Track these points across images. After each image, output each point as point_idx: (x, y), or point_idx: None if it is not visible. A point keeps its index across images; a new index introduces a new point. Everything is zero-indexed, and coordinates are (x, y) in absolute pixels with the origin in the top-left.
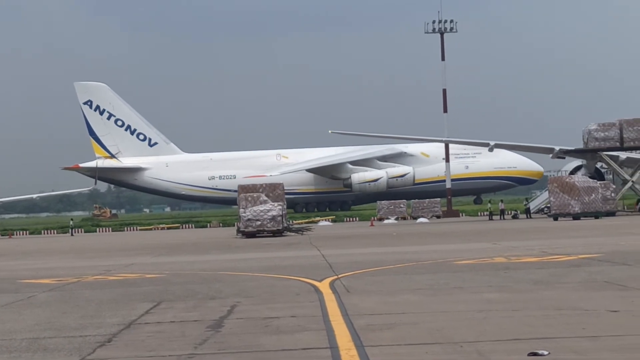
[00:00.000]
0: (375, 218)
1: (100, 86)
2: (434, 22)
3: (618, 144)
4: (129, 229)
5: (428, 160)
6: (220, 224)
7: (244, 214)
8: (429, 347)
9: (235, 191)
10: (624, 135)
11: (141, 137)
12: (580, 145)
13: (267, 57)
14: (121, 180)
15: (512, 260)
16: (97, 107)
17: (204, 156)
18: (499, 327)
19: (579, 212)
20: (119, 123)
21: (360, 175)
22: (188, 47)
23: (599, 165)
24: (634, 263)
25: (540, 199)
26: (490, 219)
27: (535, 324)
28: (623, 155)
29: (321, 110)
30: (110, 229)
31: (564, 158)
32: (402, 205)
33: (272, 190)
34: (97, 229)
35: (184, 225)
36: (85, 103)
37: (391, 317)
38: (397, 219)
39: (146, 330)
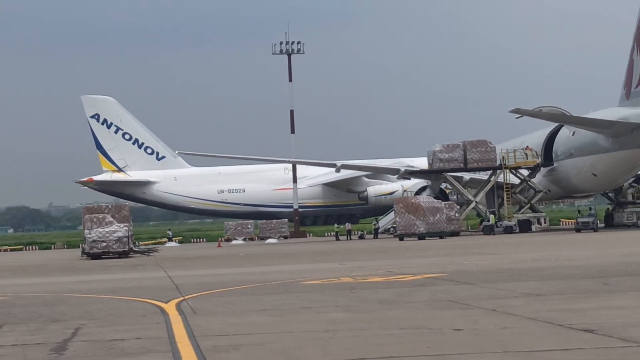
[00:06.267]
0: (223, 239)
1: (108, 100)
2: (281, 43)
3: (462, 165)
4: None
5: None
6: (65, 246)
7: (89, 235)
8: None
9: (245, 204)
10: (468, 157)
11: (149, 150)
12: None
13: (119, 75)
14: (130, 194)
15: (358, 280)
16: (105, 120)
17: (213, 170)
18: (345, 346)
19: (424, 232)
20: (127, 137)
21: (376, 189)
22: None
23: (443, 185)
24: (477, 282)
25: (387, 219)
26: (337, 240)
27: (381, 343)
28: (467, 176)
29: (169, 129)
30: None
31: (410, 179)
32: (249, 226)
33: (118, 211)
34: None
35: (27, 247)
36: (92, 117)
37: (237, 338)
38: (245, 239)
39: None
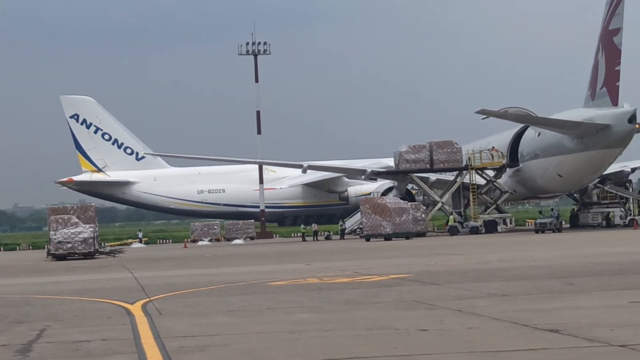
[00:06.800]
0: (189, 240)
1: (87, 100)
2: (247, 43)
3: (428, 165)
4: None
5: None
6: (30, 247)
7: (54, 237)
8: None
9: (225, 205)
10: (434, 157)
11: (128, 150)
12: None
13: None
14: (110, 194)
15: (324, 281)
16: (84, 120)
17: (192, 170)
18: (311, 347)
19: (390, 232)
20: (106, 137)
21: (356, 189)
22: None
23: (410, 186)
24: (443, 283)
25: (354, 219)
26: (304, 240)
27: (347, 344)
28: (433, 176)
29: (146, 129)
30: None
31: (376, 180)
32: (215, 227)
33: (84, 212)
34: None
35: None
36: (71, 117)
37: (204, 339)
38: (211, 240)
39: None
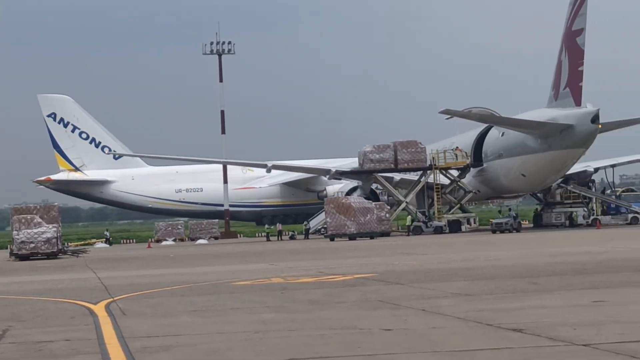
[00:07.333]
0: (153, 240)
1: (65, 99)
2: (211, 43)
3: (393, 165)
4: None
5: None
6: None
7: (17, 236)
8: None
9: (203, 204)
10: (398, 157)
11: (106, 150)
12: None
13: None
14: (87, 193)
15: (289, 281)
16: (61, 119)
17: (170, 169)
18: (276, 347)
19: (354, 232)
20: (84, 136)
21: (335, 188)
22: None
23: (374, 186)
24: (407, 282)
25: (318, 219)
26: (268, 240)
27: (311, 344)
28: (397, 176)
29: (123, 129)
30: None
31: (340, 179)
32: (179, 227)
33: (47, 212)
34: None
35: None
36: (49, 116)
37: (168, 339)
38: (175, 240)
39: None
